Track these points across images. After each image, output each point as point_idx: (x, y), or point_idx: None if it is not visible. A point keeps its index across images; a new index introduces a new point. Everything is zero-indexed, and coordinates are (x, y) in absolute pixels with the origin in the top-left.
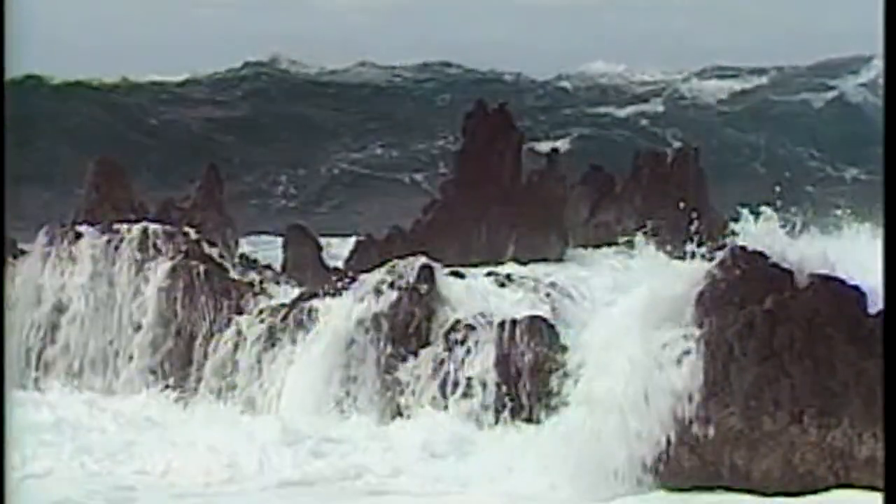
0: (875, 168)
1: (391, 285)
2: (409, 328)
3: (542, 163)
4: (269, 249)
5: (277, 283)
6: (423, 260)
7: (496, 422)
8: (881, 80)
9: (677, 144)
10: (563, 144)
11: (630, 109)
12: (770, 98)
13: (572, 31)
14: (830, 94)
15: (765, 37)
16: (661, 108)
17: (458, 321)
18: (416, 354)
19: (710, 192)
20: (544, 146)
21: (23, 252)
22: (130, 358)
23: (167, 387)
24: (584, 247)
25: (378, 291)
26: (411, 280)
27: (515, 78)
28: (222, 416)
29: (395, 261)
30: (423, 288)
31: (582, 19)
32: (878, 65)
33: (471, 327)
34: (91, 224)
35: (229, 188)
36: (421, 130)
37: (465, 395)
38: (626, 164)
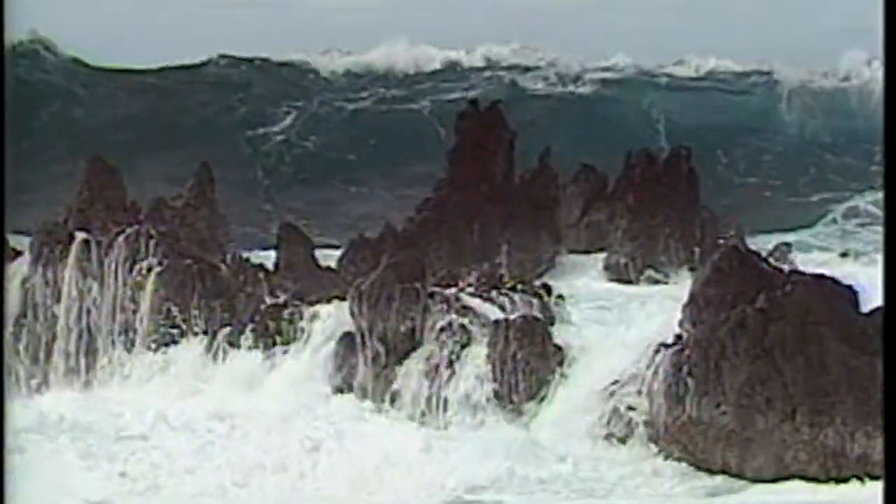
0: None
1: (385, 286)
2: (401, 328)
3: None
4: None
5: (270, 282)
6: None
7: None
8: None
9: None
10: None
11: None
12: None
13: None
14: None
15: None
16: (692, 73)
17: (450, 321)
18: (408, 355)
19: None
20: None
21: (17, 252)
22: (125, 354)
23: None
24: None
25: (371, 291)
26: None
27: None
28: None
29: (389, 262)
30: (417, 288)
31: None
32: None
33: (463, 327)
34: (84, 225)
35: None
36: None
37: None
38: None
